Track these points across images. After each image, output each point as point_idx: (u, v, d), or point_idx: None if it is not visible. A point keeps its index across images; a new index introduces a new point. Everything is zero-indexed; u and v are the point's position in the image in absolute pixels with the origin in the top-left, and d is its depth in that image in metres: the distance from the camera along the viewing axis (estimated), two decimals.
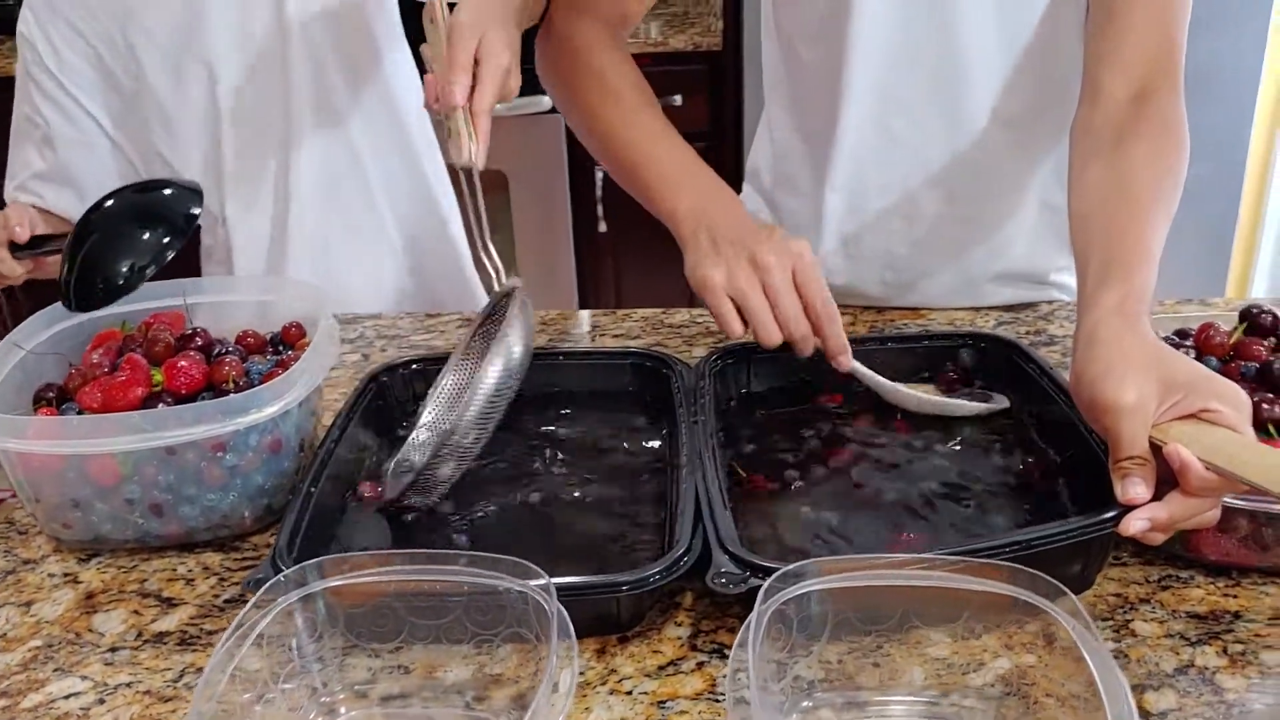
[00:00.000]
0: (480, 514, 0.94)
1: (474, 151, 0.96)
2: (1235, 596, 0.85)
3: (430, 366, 1.09)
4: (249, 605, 0.74)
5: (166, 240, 1.10)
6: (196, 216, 1.13)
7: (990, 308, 1.31)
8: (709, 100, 2.70)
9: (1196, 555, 0.86)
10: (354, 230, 1.49)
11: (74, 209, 1.37)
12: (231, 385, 0.94)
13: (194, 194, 1.15)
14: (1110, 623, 0.83)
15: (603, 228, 2.79)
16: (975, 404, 1.04)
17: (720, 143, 2.70)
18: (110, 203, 1.13)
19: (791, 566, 0.72)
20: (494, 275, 1.02)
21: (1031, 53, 1.17)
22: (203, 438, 0.89)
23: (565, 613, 0.71)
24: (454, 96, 0.95)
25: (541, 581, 0.73)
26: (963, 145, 1.22)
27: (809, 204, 1.31)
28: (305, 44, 1.37)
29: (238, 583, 0.91)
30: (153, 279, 1.09)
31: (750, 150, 1.41)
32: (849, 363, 1.03)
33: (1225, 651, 0.80)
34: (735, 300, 1.00)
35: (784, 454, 1.00)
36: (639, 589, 0.79)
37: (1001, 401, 1.04)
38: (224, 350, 1.00)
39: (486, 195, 1.00)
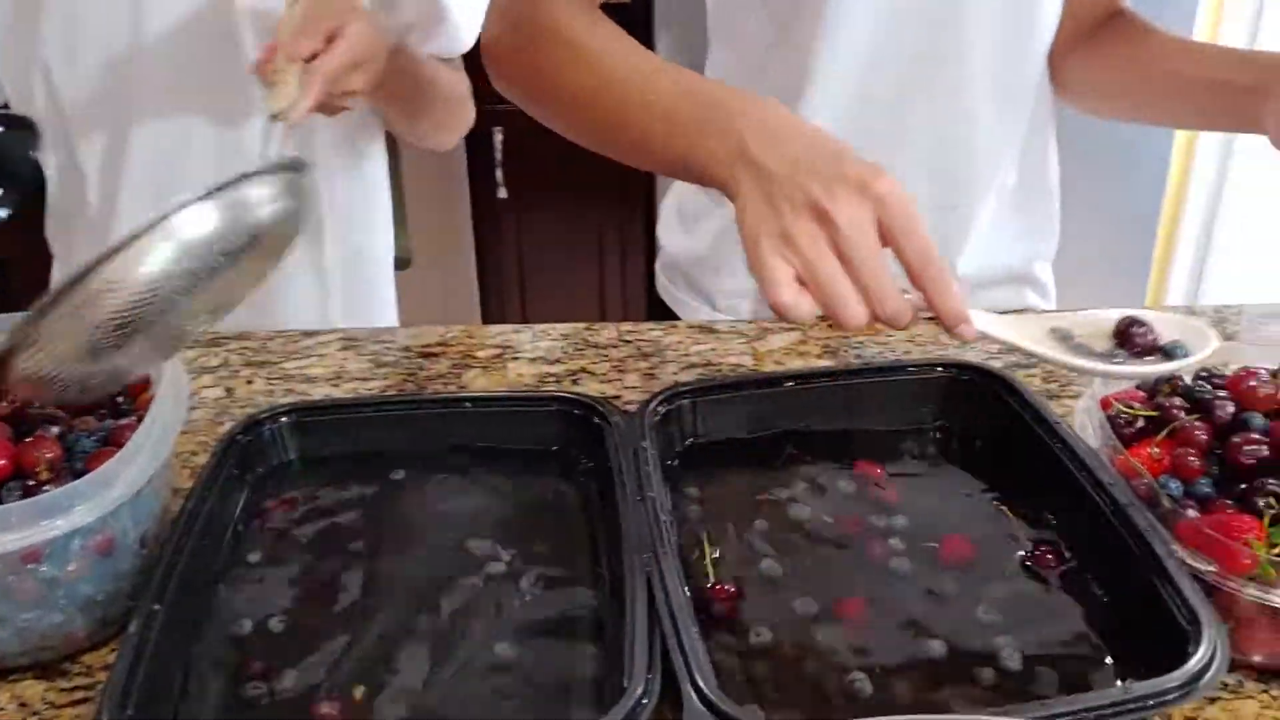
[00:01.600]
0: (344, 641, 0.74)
1: (299, 107, 0.96)
2: None
3: (306, 418, 0.90)
4: None
5: None
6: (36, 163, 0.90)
7: None
8: None
9: (1243, 656, 0.72)
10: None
11: None
12: (45, 473, 0.74)
13: (28, 132, 0.93)
14: None
15: (503, 194, 2.60)
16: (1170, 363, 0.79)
17: None
18: None
19: None
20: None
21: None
22: (7, 550, 0.68)
23: None
24: (301, 48, 0.96)
25: None
26: (948, 121, 1.09)
27: None
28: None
29: None
30: None
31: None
32: (973, 332, 0.74)
33: None
34: (798, 271, 0.72)
35: (748, 538, 0.82)
36: None
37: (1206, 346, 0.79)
38: (39, 417, 0.79)
39: None
